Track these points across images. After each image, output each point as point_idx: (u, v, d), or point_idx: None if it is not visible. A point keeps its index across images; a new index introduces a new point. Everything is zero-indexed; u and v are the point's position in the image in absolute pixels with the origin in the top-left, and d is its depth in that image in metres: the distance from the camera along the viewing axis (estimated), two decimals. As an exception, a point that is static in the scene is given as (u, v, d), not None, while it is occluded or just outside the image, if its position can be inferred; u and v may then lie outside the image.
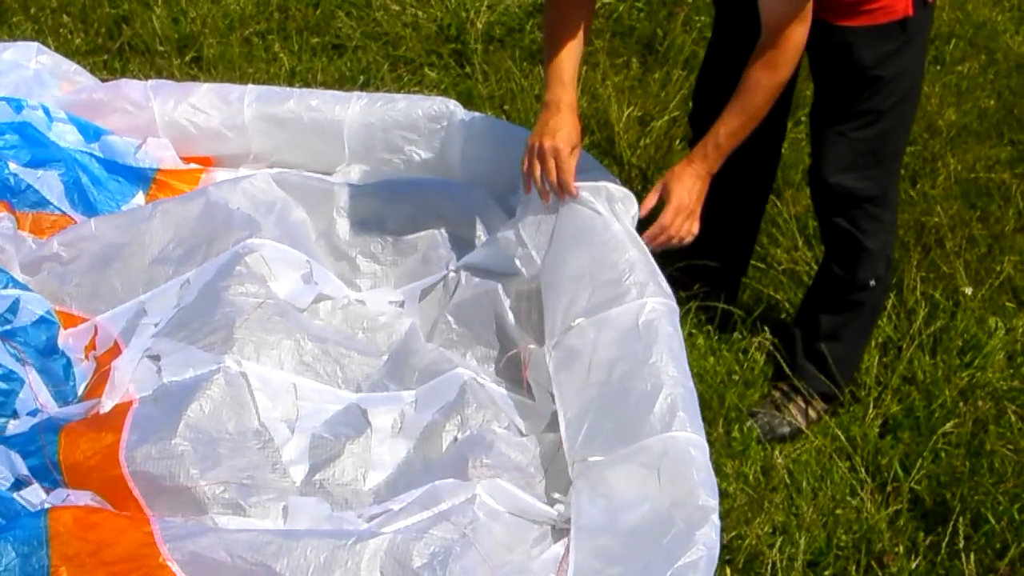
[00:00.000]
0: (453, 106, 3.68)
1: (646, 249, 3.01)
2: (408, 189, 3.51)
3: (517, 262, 3.21)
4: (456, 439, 2.87)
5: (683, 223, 3.06)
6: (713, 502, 2.41)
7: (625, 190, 3.15)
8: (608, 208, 3.06)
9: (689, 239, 3.09)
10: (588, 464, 2.63)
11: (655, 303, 2.82)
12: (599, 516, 2.53)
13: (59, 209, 3.51)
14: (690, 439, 2.53)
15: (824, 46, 3.06)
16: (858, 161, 3.15)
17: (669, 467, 2.48)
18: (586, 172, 3.43)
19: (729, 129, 3.01)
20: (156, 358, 2.94)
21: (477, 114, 3.75)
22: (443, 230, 3.43)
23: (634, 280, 2.87)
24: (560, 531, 2.68)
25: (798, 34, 2.88)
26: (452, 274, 3.31)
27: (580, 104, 4.42)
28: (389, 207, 3.44)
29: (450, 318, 3.24)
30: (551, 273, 3.04)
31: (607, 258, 2.94)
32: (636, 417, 2.60)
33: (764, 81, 2.94)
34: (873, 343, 3.56)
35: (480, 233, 3.44)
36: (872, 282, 3.31)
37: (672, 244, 3.08)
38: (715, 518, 2.39)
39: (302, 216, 3.46)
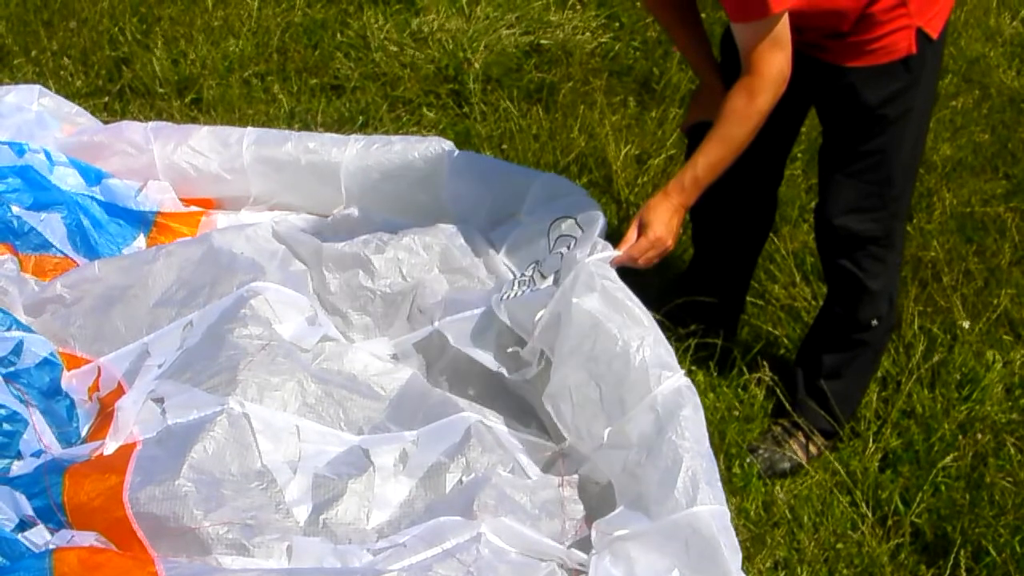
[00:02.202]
0: (448, 147, 3.69)
1: (636, 314, 2.96)
2: (397, 235, 3.49)
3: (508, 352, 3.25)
4: (461, 481, 2.88)
5: (654, 256, 3.07)
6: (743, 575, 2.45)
7: (603, 241, 3.15)
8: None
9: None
10: (613, 537, 2.64)
11: (666, 388, 2.79)
12: None
13: (61, 252, 3.53)
14: (714, 511, 2.54)
15: (828, 88, 3.06)
16: (863, 203, 3.13)
17: (697, 541, 2.51)
18: (562, 196, 3.46)
19: (708, 160, 2.96)
20: (160, 400, 2.95)
21: (461, 151, 3.76)
22: (435, 272, 3.43)
23: (639, 374, 2.83)
24: (570, 571, 2.68)
25: (774, 60, 2.84)
26: (438, 333, 3.32)
27: (578, 143, 4.49)
28: (377, 257, 3.42)
29: (444, 378, 3.28)
30: (556, 383, 3.04)
31: (605, 361, 2.91)
32: (660, 493, 2.61)
33: (740, 109, 2.89)
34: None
35: (471, 269, 3.46)
36: (874, 322, 3.30)
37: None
38: None
39: (302, 267, 3.48)
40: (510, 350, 3.21)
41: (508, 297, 3.17)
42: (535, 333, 3.10)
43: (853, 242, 3.19)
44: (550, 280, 3.14)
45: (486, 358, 3.22)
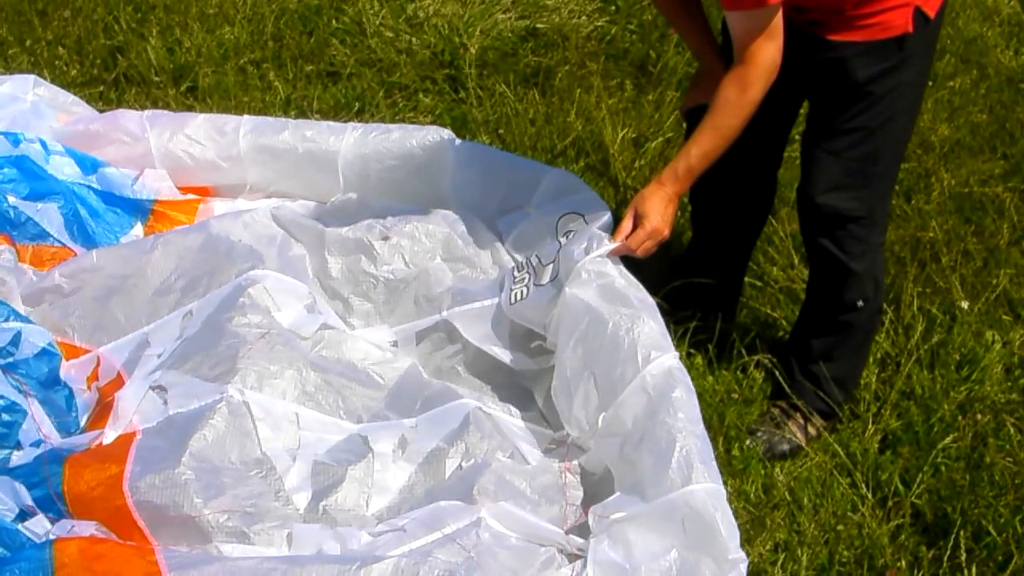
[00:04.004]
0: (446, 134, 3.69)
1: (628, 299, 2.97)
2: (399, 222, 3.49)
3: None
4: (460, 467, 2.89)
5: (651, 246, 3.06)
6: (742, 553, 2.45)
7: (600, 233, 3.15)
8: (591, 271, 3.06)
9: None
10: (610, 520, 2.64)
11: (655, 368, 2.79)
12: (620, 560, 2.54)
13: (59, 241, 3.53)
14: (709, 489, 2.54)
15: (815, 62, 3.03)
16: (846, 180, 3.12)
17: (694, 520, 2.51)
18: (571, 192, 3.46)
19: (701, 149, 2.97)
20: (162, 390, 2.95)
21: (465, 141, 3.76)
22: (437, 260, 3.43)
23: (628, 355, 2.83)
24: (570, 555, 2.68)
25: (767, 51, 2.85)
26: (445, 322, 3.32)
27: (575, 127, 4.48)
28: (379, 243, 3.43)
29: (459, 368, 3.28)
30: (558, 376, 3.06)
31: (597, 347, 2.92)
32: (655, 474, 2.61)
33: (733, 99, 2.91)
34: (871, 359, 3.57)
35: (474, 258, 3.46)
36: (860, 303, 3.28)
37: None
38: (743, 568, 2.44)
39: (302, 252, 3.47)
40: (534, 344, 3.23)
41: (517, 299, 3.17)
42: (549, 332, 3.12)
43: (835, 221, 3.17)
44: (548, 269, 3.14)
45: (496, 350, 3.23)
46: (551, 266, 3.14)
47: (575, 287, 3.01)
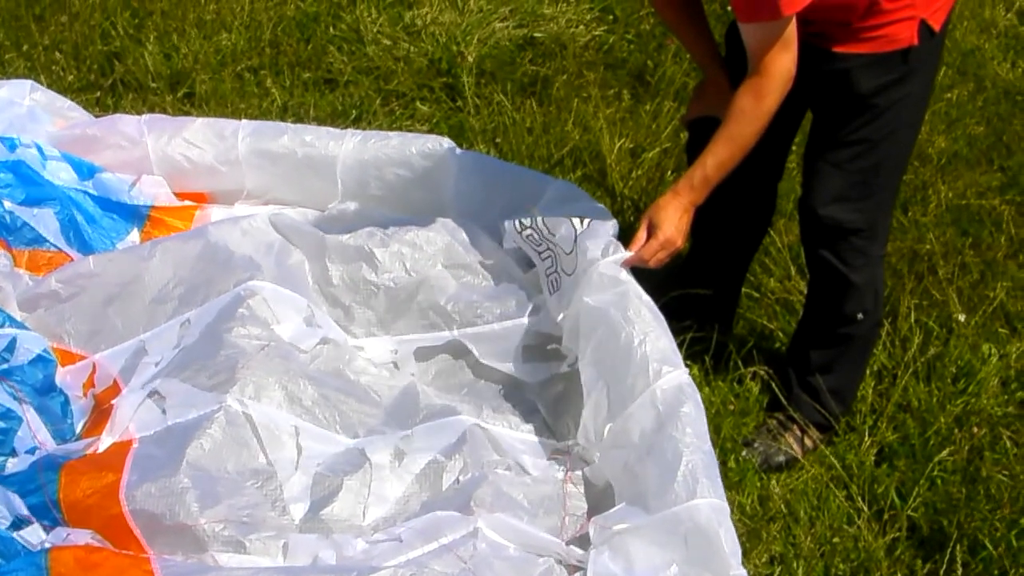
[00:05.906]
0: (446, 143, 3.68)
1: (642, 311, 2.96)
2: (399, 229, 3.48)
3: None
4: (458, 480, 2.88)
5: (664, 256, 3.07)
6: (743, 571, 2.45)
7: (616, 241, 3.15)
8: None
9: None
10: (612, 531, 2.63)
11: (666, 383, 2.79)
12: (620, 572, 2.54)
13: (55, 246, 3.51)
14: (713, 505, 2.54)
15: (819, 74, 3.03)
16: (849, 192, 3.12)
17: (697, 535, 2.51)
18: (574, 202, 3.45)
19: (717, 159, 2.97)
20: (160, 398, 2.94)
21: (468, 151, 3.75)
22: (439, 267, 3.42)
23: (640, 368, 2.83)
24: (569, 567, 2.68)
25: (782, 61, 2.85)
26: (458, 342, 3.32)
27: (572, 136, 4.48)
28: (381, 250, 3.41)
29: (462, 379, 3.28)
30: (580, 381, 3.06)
31: (610, 357, 2.92)
32: (660, 487, 2.61)
33: (750, 110, 2.91)
34: (868, 371, 3.56)
35: (475, 265, 3.45)
36: (860, 315, 3.29)
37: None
38: None
39: (300, 258, 3.46)
40: (550, 347, 3.23)
41: (554, 288, 3.19)
42: (564, 332, 3.13)
43: (836, 233, 3.18)
44: (572, 260, 3.14)
45: (508, 366, 3.25)
46: (572, 257, 3.14)
47: (590, 293, 3.02)
